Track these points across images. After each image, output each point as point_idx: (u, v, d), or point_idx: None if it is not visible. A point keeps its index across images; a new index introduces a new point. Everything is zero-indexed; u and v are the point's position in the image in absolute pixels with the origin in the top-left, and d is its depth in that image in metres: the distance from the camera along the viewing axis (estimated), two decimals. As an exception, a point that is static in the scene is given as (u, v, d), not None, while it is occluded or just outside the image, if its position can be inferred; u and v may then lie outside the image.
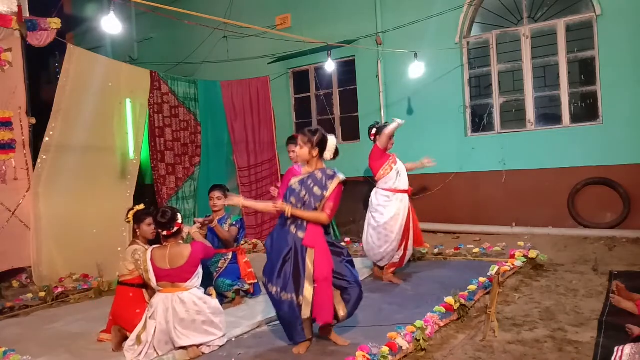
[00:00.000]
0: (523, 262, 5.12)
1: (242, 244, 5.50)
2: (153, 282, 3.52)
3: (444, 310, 3.80)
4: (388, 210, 4.97)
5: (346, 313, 3.45)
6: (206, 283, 3.97)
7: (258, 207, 4.05)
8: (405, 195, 5.10)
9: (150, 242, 3.96)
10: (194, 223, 4.52)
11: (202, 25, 7.33)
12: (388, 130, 4.93)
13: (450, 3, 7.36)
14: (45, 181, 5.90)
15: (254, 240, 7.62)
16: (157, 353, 3.46)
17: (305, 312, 3.30)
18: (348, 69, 8.50)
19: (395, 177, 5.02)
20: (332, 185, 3.38)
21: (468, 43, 7.52)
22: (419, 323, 3.46)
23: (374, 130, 5.07)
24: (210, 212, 4.83)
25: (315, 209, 3.36)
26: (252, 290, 4.73)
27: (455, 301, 3.89)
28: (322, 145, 3.43)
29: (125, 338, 3.66)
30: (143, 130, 6.99)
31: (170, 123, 7.54)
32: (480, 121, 7.53)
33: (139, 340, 3.48)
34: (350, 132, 8.57)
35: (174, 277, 3.50)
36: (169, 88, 7.50)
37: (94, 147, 6.29)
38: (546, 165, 6.85)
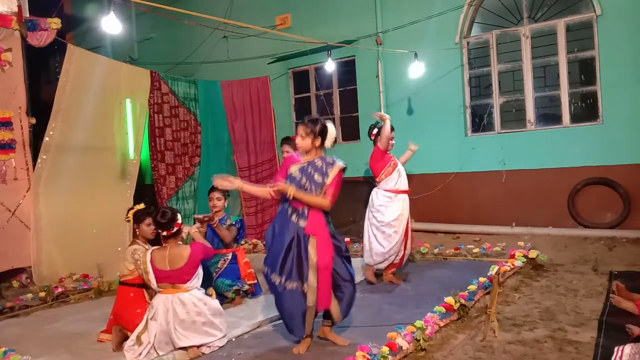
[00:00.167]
0: (523, 262, 5.12)
1: (242, 244, 5.50)
2: (153, 283, 3.52)
3: (444, 310, 3.80)
4: (391, 210, 4.97)
5: (339, 313, 3.45)
6: (206, 283, 3.97)
7: (257, 192, 3.71)
8: (407, 196, 5.11)
9: (150, 242, 3.96)
10: (194, 221, 4.52)
11: (202, 25, 7.33)
12: (385, 131, 4.90)
13: (450, 3, 7.36)
14: (45, 181, 5.90)
15: (254, 240, 7.62)
16: (157, 353, 3.46)
17: (311, 299, 3.30)
18: (348, 69, 8.51)
19: (397, 177, 5.03)
20: (333, 173, 3.39)
21: (468, 43, 7.52)
22: (419, 323, 3.46)
23: (374, 130, 5.05)
24: (209, 212, 4.83)
25: (312, 193, 3.38)
26: (252, 291, 4.73)
27: (455, 301, 3.89)
28: (323, 134, 3.45)
29: (126, 338, 3.66)
30: (143, 130, 6.99)
31: (170, 123, 7.54)
32: (480, 121, 7.53)
33: (139, 340, 3.48)
34: (350, 132, 8.57)
35: (173, 279, 3.50)
36: (169, 88, 7.50)
37: (94, 147, 6.29)
38: (546, 165, 6.85)
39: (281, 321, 3.87)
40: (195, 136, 7.95)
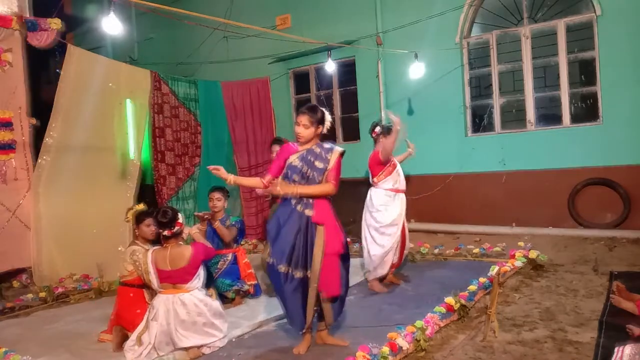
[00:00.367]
0: (523, 263, 5.12)
1: (242, 245, 5.50)
2: (154, 283, 3.52)
3: (444, 310, 3.80)
4: (391, 210, 4.90)
5: (332, 314, 3.45)
6: (207, 284, 3.97)
7: (250, 183, 3.73)
8: (404, 195, 5.07)
9: (150, 243, 3.96)
10: (194, 219, 4.52)
11: (202, 26, 7.34)
12: (390, 140, 4.77)
13: (450, 3, 7.36)
14: (45, 181, 5.90)
15: (254, 241, 7.62)
16: (158, 353, 3.47)
17: (313, 282, 3.32)
18: (348, 70, 8.51)
19: (396, 177, 4.99)
20: (333, 158, 3.42)
21: (468, 43, 7.52)
22: (419, 323, 3.47)
23: (377, 129, 4.97)
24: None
25: (318, 182, 3.38)
26: (252, 291, 4.73)
27: (456, 301, 3.89)
28: (323, 122, 3.48)
29: (126, 338, 3.66)
30: (143, 130, 6.99)
31: (170, 123, 7.54)
32: (480, 121, 7.54)
33: (139, 341, 3.49)
34: (351, 133, 8.57)
35: (175, 279, 3.50)
36: (169, 88, 7.50)
37: (94, 147, 6.29)
38: (546, 166, 6.85)
39: (281, 321, 3.88)
40: (196, 136, 7.96)
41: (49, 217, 5.88)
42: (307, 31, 8.07)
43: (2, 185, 5.73)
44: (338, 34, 7.91)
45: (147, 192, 7.82)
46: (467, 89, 7.56)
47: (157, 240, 3.79)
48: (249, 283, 4.70)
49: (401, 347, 3.24)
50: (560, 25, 6.87)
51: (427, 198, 7.50)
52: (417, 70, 7.27)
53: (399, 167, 5.06)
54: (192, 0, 8.41)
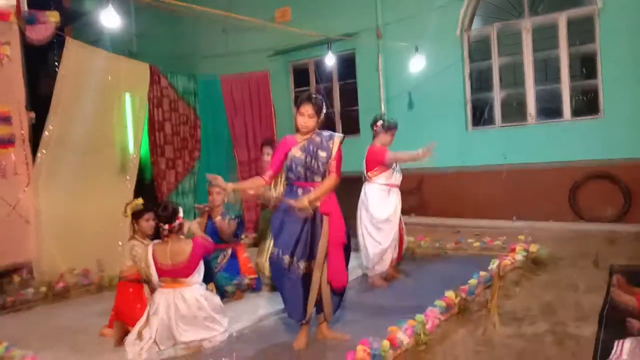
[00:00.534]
0: (524, 257, 5.12)
1: (243, 239, 5.50)
2: (154, 277, 3.52)
3: (444, 304, 3.80)
4: (388, 205, 4.88)
5: (331, 308, 3.47)
6: (207, 279, 3.97)
7: (251, 186, 3.52)
8: (398, 190, 5.03)
9: (149, 238, 3.95)
10: (195, 210, 4.52)
11: (201, 19, 7.29)
12: (403, 159, 4.80)
13: (451, -4, 7.32)
14: (45, 176, 5.88)
15: (254, 235, 7.61)
16: (159, 348, 3.47)
17: (317, 272, 3.34)
18: (348, 63, 8.48)
19: (391, 172, 4.96)
20: (335, 146, 3.42)
21: (469, 36, 7.48)
22: (419, 317, 3.46)
23: (379, 123, 4.92)
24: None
25: (323, 172, 3.38)
26: (252, 285, 4.73)
27: (456, 295, 3.89)
28: (322, 110, 3.46)
29: (127, 333, 3.66)
30: (142, 124, 6.97)
31: (169, 117, 7.51)
32: (481, 115, 7.52)
33: (140, 335, 3.49)
34: (351, 127, 8.55)
35: (175, 273, 3.50)
36: (168, 82, 7.47)
37: (93, 141, 6.27)
38: (547, 160, 6.84)
39: (282, 315, 3.88)
40: (195, 130, 7.93)
41: (49, 212, 5.86)
42: (306, 24, 8.02)
43: (1, 180, 5.71)
44: (338, 27, 7.88)
45: (146, 186, 7.82)
46: (468, 83, 7.53)
47: (156, 235, 3.78)
48: (249, 277, 4.70)
49: (401, 342, 3.24)
50: (562, 19, 6.83)
51: (427, 192, 7.50)
52: (417, 64, 7.25)
53: (396, 163, 5.01)
54: (191, -7, 8.35)
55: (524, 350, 3.17)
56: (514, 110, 7.59)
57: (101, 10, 5.06)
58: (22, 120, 5.91)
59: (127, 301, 3.80)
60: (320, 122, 3.46)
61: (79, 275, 5.67)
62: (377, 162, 4.89)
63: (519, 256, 5.10)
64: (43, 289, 5.18)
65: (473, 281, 4.31)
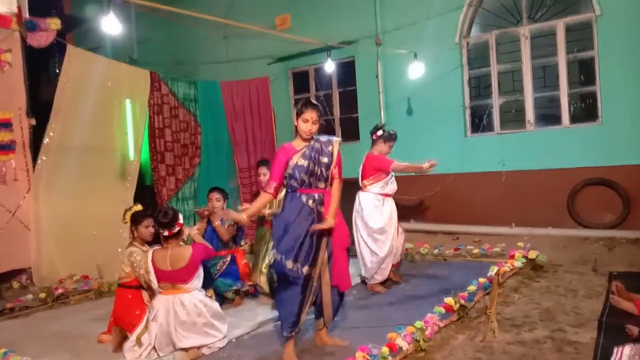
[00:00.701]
0: (523, 263, 5.12)
1: (242, 245, 5.50)
2: (154, 283, 3.52)
3: (443, 310, 3.80)
4: (381, 214, 4.85)
5: (331, 313, 3.47)
6: (206, 285, 3.97)
7: (262, 205, 3.47)
8: (393, 200, 5.02)
9: (148, 244, 3.95)
10: (195, 216, 4.52)
11: (202, 26, 7.33)
12: (406, 170, 4.85)
13: (449, 3, 7.36)
14: (45, 182, 5.90)
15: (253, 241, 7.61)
16: (158, 354, 3.47)
17: (321, 277, 3.36)
18: (347, 70, 8.51)
19: (387, 182, 4.96)
20: (335, 150, 3.44)
21: (468, 43, 7.52)
22: (418, 324, 3.46)
23: (380, 132, 4.94)
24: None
25: (326, 177, 3.39)
26: (252, 291, 4.73)
27: (455, 302, 3.89)
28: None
29: (126, 339, 3.66)
30: (143, 131, 6.99)
31: (170, 124, 7.54)
32: (479, 121, 7.54)
33: (139, 341, 3.49)
34: (350, 133, 8.57)
35: (175, 279, 3.50)
36: (168, 89, 7.50)
37: (94, 147, 6.29)
38: (546, 166, 6.85)
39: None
40: (195, 137, 7.95)
41: (49, 218, 5.87)
42: (306, 31, 8.06)
43: (1, 186, 5.72)
44: (337, 34, 7.91)
45: (146, 192, 7.83)
46: (467, 89, 7.56)
47: (155, 242, 3.79)
48: (248, 283, 4.70)
49: (401, 348, 3.24)
50: (560, 25, 6.87)
51: (426, 198, 7.51)
52: (416, 71, 7.28)
53: (392, 174, 5.02)
54: (192, 0, 8.40)
55: (523, 357, 3.17)
56: (513, 117, 7.61)
57: (102, 17, 5.08)
58: (22, 127, 5.93)
59: (125, 307, 3.80)
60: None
61: (78, 281, 5.67)
62: (378, 170, 4.89)
63: (518, 262, 5.11)
64: (42, 294, 5.17)
65: (472, 287, 4.31)
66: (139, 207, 4.05)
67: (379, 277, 4.88)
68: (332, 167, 3.40)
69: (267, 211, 4.31)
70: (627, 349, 2.65)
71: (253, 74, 8.65)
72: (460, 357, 3.23)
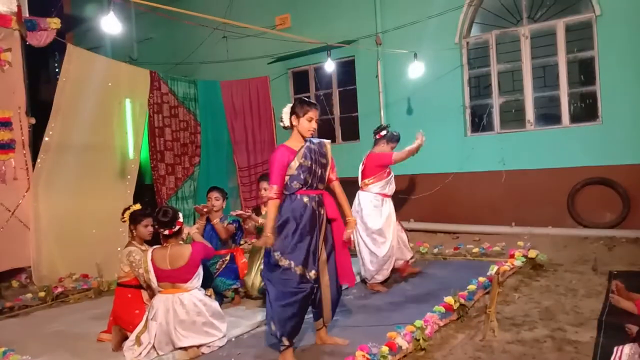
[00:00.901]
0: (522, 262, 5.12)
1: (242, 244, 5.50)
2: (154, 282, 3.52)
3: (443, 310, 3.80)
4: (380, 214, 4.85)
5: (330, 311, 3.48)
6: (206, 284, 3.96)
7: (273, 215, 3.28)
8: (391, 200, 5.02)
9: (147, 244, 3.95)
10: (194, 213, 4.51)
11: (201, 25, 7.33)
12: (406, 155, 4.82)
13: (449, 3, 7.36)
14: (44, 181, 5.90)
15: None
16: (157, 353, 3.47)
17: (324, 279, 3.38)
18: (347, 69, 8.50)
19: (387, 182, 4.96)
20: (329, 151, 3.48)
21: (467, 43, 7.52)
22: (418, 323, 3.46)
23: (384, 132, 4.95)
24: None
25: (324, 178, 3.41)
26: (252, 291, 4.72)
27: (455, 301, 3.89)
28: None
29: (126, 338, 3.66)
30: (142, 130, 7.00)
31: (169, 123, 7.54)
32: (479, 121, 7.54)
33: (138, 341, 3.48)
34: (350, 132, 8.57)
35: (174, 278, 3.50)
36: (168, 88, 7.50)
37: (93, 147, 6.29)
38: (546, 165, 6.85)
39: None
40: (195, 136, 7.96)
41: (49, 217, 5.87)
42: (306, 31, 8.06)
43: (1, 185, 5.72)
44: (337, 33, 7.91)
45: (146, 191, 7.83)
46: (467, 89, 7.56)
47: (155, 241, 3.78)
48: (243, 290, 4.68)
49: (400, 347, 3.24)
50: (560, 25, 6.87)
51: (426, 198, 7.50)
52: (416, 70, 7.27)
53: (392, 173, 5.03)
54: (192, 0, 8.40)
55: (523, 356, 3.17)
56: (513, 116, 7.61)
57: (102, 16, 5.08)
58: (22, 126, 5.94)
59: (125, 306, 3.79)
60: None
61: (77, 280, 5.67)
62: (381, 166, 4.89)
63: (518, 262, 5.11)
64: (42, 293, 5.18)
65: (472, 287, 4.31)
66: (137, 207, 4.04)
67: (380, 278, 4.88)
68: (329, 168, 3.42)
69: (261, 220, 4.31)
70: (627, 348, 2.65)
71: (253, 73, 8.66)
72: (460, 356, 3.23)
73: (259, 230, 4.76)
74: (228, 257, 4.71)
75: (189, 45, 9.41)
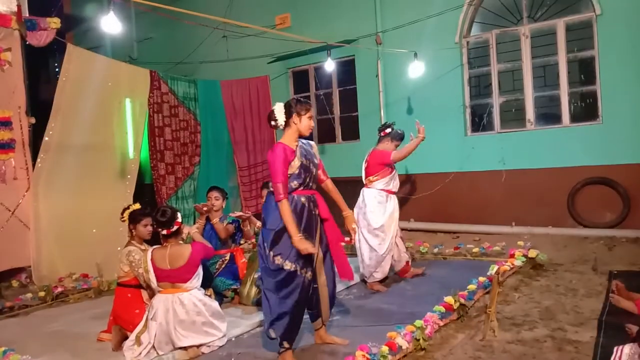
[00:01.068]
0: (523, 262, 5.12)
1: (242, 244, 5.50)
2: (153, 282, 3.52)
3: (443, 309, 3.80)
4: (384, 211, 4.86)
5: (327, 310, 3.48)
6: (206, 284, 3.96)
7: (290, 219, 3.18)
8: (395, 197, 5.03)
9: (147, 243, 3.94)
10: (194, 212, 4.50)
11: (201, 25, 7.33)
12: (409, 151, 4.84)
13: (450, 2, 7.35)
14: (44, 181, 5.90)
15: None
16: (157, 353, 3.47)
17: (321, 278, 3.38)
18: (348, 69, 8.50)
19: (392, 179, 4.97)
20: (316, 150, 3.50)
21: (468, 42, 7.51)
22: (418, 323, 3.46)
23: (388, 130, 4.94)
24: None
25: (316, 177, 3.43)
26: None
27: (455, 301, 3.89)
28: None
29: (126, 337, 3.66)
30: (142, 129, 7.00)
31: (169, 122, 7.54)
32: (480, 121, 7.53)
33: (138, 340, 3.48)
34: (350, 132, 8.57)
35: (174, 278, 3.50)
36: (168, 88, 7.50)
37: (93, 146, 6.29)
38: (546, 165, 6.85)
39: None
40: (195, 136, 7.96)
41: (49, 217, 5.87)
42: (306, 30, 8.06)
43: (1, 185, 5.73)
44: (338, 33, 7.90)
45: (146, 191, 7.84)
46: (467, 89, 7.55)
47: (154, 241, 3.78)
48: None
49: (400, 347, 3.23)
50: (560, 25, 6.86)
51: (426, 197, 7.50)
52: (416, 70, 7.27)
53: (396, 170, 5.04)
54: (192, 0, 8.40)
55: (523, 356, 3.17)
56: (513, 116, 7.60)
57: (102, 16, 5.08)
58: (22, 125, 5.94)
59: (125, 306, 3.79)
60: None
61: (77, 279, 5.67)
62: (381, 165, 4.89)
63: (518, 261, 5.11)
64: (42, 293, 5.18)
65: (472, 286, 4.31)
66: (137, 206, 4.04)
67: (378, 275, 4.87)
68: (319, 167, 3.44)
69: (259, 223, 4.30)
70: (627, 348, 2.64)
71: (253, 73, 8.65)
72: (460, 356, 3.23)
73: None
74: (228, 257, 4.71)
75: (189, 44, 9.40)
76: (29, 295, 5.23)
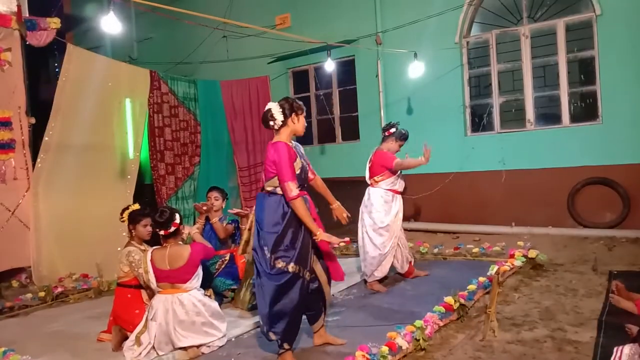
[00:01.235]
0: (522, 262, 5.12)
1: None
2: (153, 283, 3.52)
3: (443, 310, 3.80)
4: (389, 211, 4.87)
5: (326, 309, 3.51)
6: (205, 284, 3.96)
7: (309, 219, 3.21)
8: (400, 197, 5.04)
9: (147, 243, 3.94)
10: (194, 212, 4.50)
11: (201, 25, 7.33)
12: (410, 165, 4.84)
13: (450, 3, 7.35)
14: (44, 181, 5.90)
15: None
16: (157, 353, 3.47)
17: (322, 278, 3.38)
18: (347, 69, 8.50)
19: (397, 178, 4.97)
20: (303, 150, 3.50)
21: (468, 43, 7.52)
22: (418, 323, 3.46)
23: (393, 130, 4.94)
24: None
25: (308, 177, 3.44)
26: (251, 290, 4.71)
27: (455, 301, 3.89)
28: None
29: (126, 338, 3.66)
30: (142, 130, 7.00)
31: (169, 123, 7.54)
32: (480, 121, 7.53)
33: (138, 341, 3.48)
34: (350, 132, 8.57)
35: (173, 278, 3.49)
36: (168, 88, 7.50)
37: (93, 146, 6.29)
38: (546, 165, 6.85)
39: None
40: (195, 136, 7.96)
41: (49, 217, 5.87)
42: (306, 30, 8.06)
43: (1, 185, 5.73)
44: (337, 33, 7.91)
45: (146, 191, 7.83)
46: (467, 89, 7.55)
47: (154, 241, 3.78)
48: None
49: (400, 347, 3.23)
50: (560, 25, 6.86)
51: (426, 197, 7.50)
52: (416, 70, 7.27)
53: (400, 170, 5.03)
54: (192, 0, 8.40)
55: (523, 356, 3.17)
56: (513, 116, 7.61)
57: (102, 16, 5.08)
58: (22, 126, 5.94)
59: (125, 306, 3.79)
60: None
61: (77, 280, 5.67)
62: (383, 166, 4.89)
63: (518, 262, 5.10)
64: (42, 293, 5.18)
65: (472, 287, 4.31)
66: (136, 206, 4.04)
67: (378, 274, 4.88)
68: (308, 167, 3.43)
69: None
70: (627, 349, 2.64)
71: (253, 73, 8.65)
72: (460, 356, 3.23)
73: None
74: (228, 257, 4.71)
75: (189, 45, 9.40)
76: (29, 295, 5.23)
